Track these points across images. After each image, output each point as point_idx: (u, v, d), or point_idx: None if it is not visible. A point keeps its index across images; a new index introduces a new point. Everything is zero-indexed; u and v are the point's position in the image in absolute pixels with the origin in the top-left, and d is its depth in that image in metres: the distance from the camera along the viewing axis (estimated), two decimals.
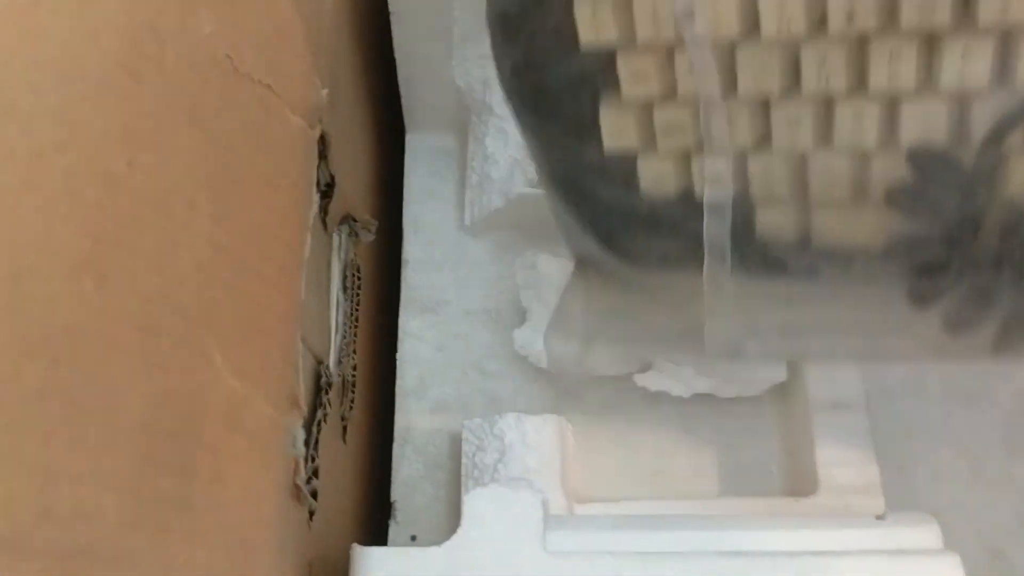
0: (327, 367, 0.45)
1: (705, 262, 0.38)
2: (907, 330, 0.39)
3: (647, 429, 0.52)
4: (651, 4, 0.34)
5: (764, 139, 0.36)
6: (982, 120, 0.33)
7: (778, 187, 0.36)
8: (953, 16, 0.32)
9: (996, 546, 0.53)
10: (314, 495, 0.40)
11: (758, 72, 0.34)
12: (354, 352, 0.50)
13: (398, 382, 0.53)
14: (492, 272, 0.56)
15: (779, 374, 0.50)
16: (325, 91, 0.44)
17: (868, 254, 0.37)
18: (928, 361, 0.52)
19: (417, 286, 0.56)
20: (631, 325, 0.45)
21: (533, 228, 0.55)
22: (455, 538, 0.39)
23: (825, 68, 0.33)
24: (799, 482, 0.50)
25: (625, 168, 0.38)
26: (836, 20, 0.32)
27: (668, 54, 0.35)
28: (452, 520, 0.41)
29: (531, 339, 0.51)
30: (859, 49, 0.33)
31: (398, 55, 0.55)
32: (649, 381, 0.50)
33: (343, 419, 0.48)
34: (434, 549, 0.39)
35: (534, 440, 0.48)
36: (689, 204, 0.37)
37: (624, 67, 0.36)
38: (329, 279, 0.48)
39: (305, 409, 0.40)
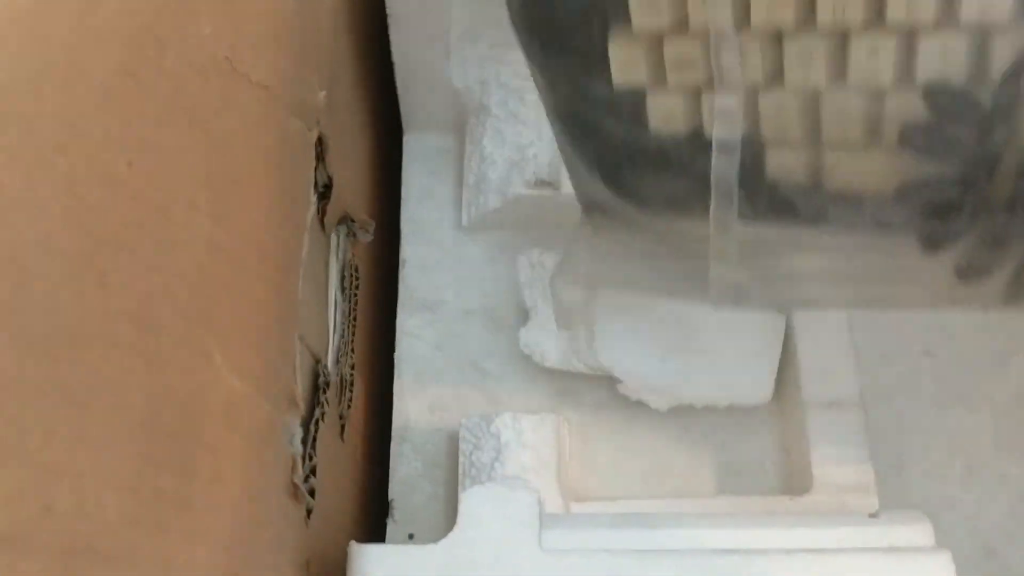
0: (325, 366, 0.45)
1: (712, 202, 0.37)
2: (917, 277, 0.38)
3: (643, 428, 0.52)
4: None
5: (776, 75, 0.35)
6: (1002, 56, 0.32)
7: (789, 126, 0.35)
8: None
9: (989, 544, 0.54)
10: (312, 493, 0.40)
11: (772, 3, 0.33)
12: (352, 351, 0.50)
13: (396, 381, 0.54)
14: (489, 272, 0.56)
15: (765, 393, 0.51)
16: (323, 93, 0.44)
17: (879, 198, 0.36)
18: (938, 309, 0.51)
19: (415, 286, 0.56)
20: (636, 270, 0.44)
21: (530, 228, 0.56)
22: (451, 536, 0.39)
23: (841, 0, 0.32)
24: (794, 481, 0.50)
25: (634, 104, 0.37)
26: None
27: None
28: (450, 518, 0.41)
29: (536, 338, 0.51)
30: None
31: (396, 57, 0.55)
32: (631, 391, 0.51)
33: (341, 418, 0.48)
34: (431, 547, 0.39)
35: (530, 439, 0.48)
36: (698, 143, 0.37)
37: None
38: (327, 279, 0.48)
39: (303, 408, 0.40)
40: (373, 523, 0.52)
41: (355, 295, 0.50)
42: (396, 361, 0.54)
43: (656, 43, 0.35)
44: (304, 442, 0.40)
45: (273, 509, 0.36)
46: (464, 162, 0.57)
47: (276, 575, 0.36)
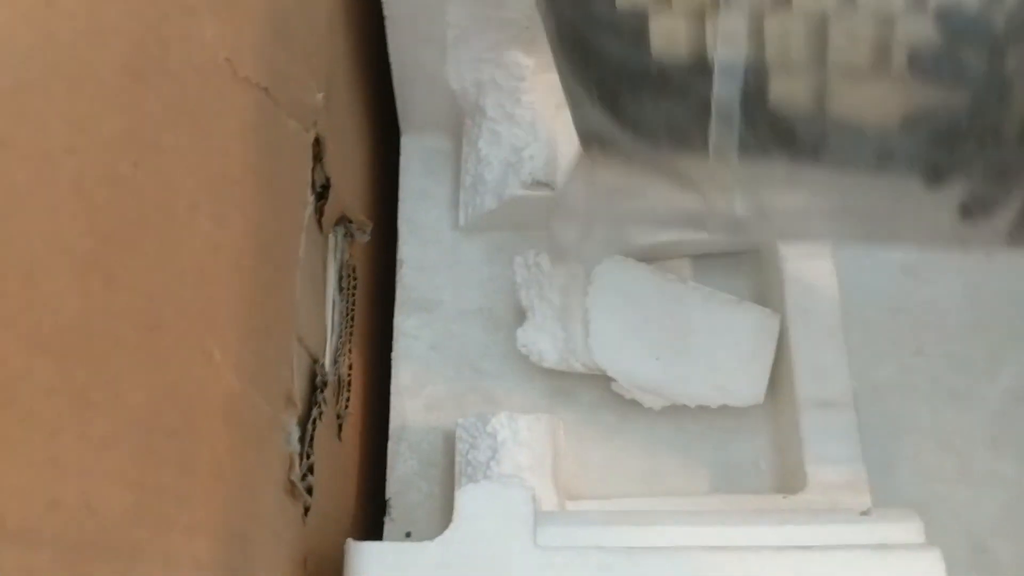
0: (322, 366, 0.46)
1: (712, 127, 0.37)
2: (919, 216, 0.38)
3: (638, 428, 0.52)
4: None
5: None
6: None
7: (795, 50, 0.34)
8: None
9: (982, 542, 0.54)
10: (309, 491, 0.41)
11: None
12: (350, 351, 0.50)
13: (393, 380, 0.54)
14: (486, 272, 0.56)
15: (759, 394, 0.51)
16: (320, 95, 0.45)
17: (883, 128, 0.35)
18: (940, 248, 0.50)
19: (412, 286, 0.56)
20: (634, 204, 0.44)
21: (526, 229, 0.56)
22: (447, 533, 0.39)
23: None
24: (787, 479, 0.50)
25: (637, 26, 0.36)
26: None
27: None
28: (446, 517, 0.41)
29: (533, 338, 0.52)
30: None
31: (393, 58, 0.55)
32: (624, 390, 0.51)
33: (339, 417, 0.48)
34: (426, 544, 0.39)
35: (526, 438, 0.49)
36: (701, 67, 0.36)
37: None
38: (325, 279, 0.48)
39: (300, 407, 0.41)
40: (370, 522, 0.52)
41: (353, 295, 0.51)
42: (393, 361, 0.54)
43: None
44: (301, 440, 0.41)
45: (271, 506, 0.37)
46: (461, 163, 0.58)
47: (274, 571, 0.37)
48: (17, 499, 0.21)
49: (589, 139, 0.42)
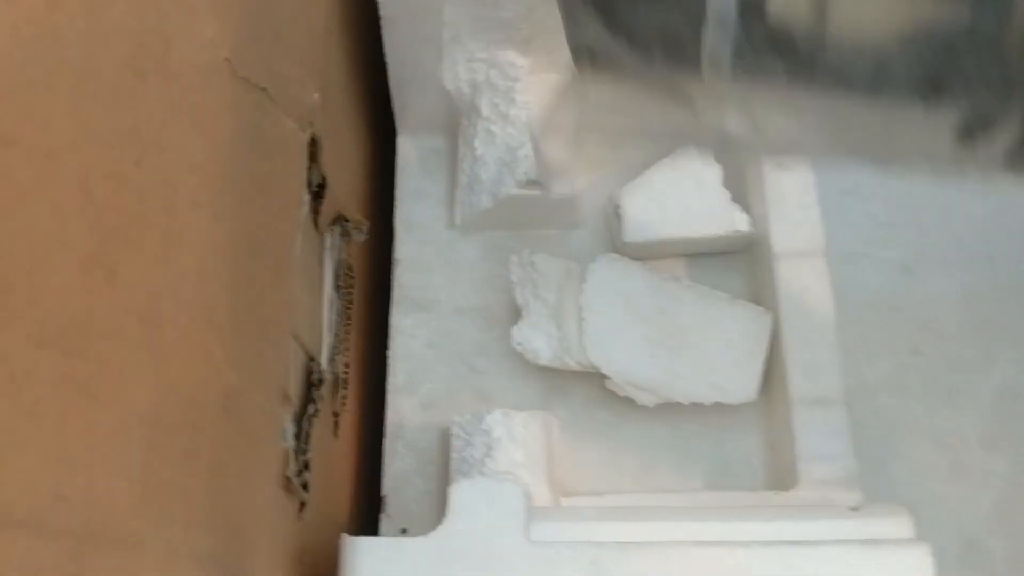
0: (319, 364, 0.46)
1: (707, 36, 0.36)
2: (916, 137, 0.37)
3: (632, 425, 0.53)
4: None
5: None
6: None
7: None
8: None
9: (974, 539, 0.55)
10: (305, 488, 0.41)
11: None
12: (346, 350, 0.50)
13: (389, 378, 0.54)
14: (482, 271, 0.57)
15: (752, 391, 0.51)
16: (317, 95, 0.45)
17: (884, 44, 0.34)
18: (936, 175, 0.50)
19: (408, 285, 0.57)
20: (625, 119, 0.43)
21: (521, 228, 0.57)
22: (441, 528, 0.40)
23: None
24: (780, 476, 0.51)
25: None
26: None
27: None
28: (442, 513, 0.42)
29: (528, 336, 0.52)
30: None
31: (389, 59, 0.56)
32: (619, 387, 0.51)
33: (335, 415, 0.49)
34: (420, 539, 0.40)
35: (521, 435, 0.49)
36: None
37: None
38: (321, 278, 0.48)
39: (296, 403, 0.41)
40: (367, 518, 0.53)
41: (349, 294, 0.51)
42: (389, 359, 0.55)
43: None
44: (297, 437, 0.41)
45: (268, 501, 0.37)
46: (456, 163, 0.58)
47: (271, 566, 0.37)
48: (24, 490, 0.22)
49: (581, 54, 0.41)
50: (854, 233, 0.59)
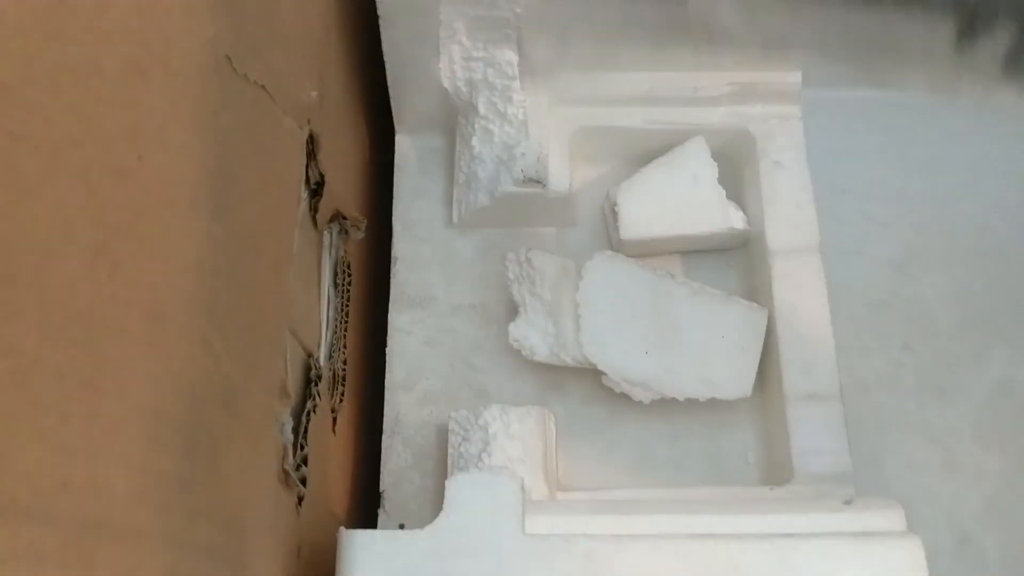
0: (317, 360, 0.46)
1: None
2: (915, 40, 0.36)
3: (628, 421, 0.53)
4: None
5: None
6: None
7: None
8: None
9: (967, 535, 0.55)
10: (303, 482, 0.42)
11: None
12: (344, 347, 0.51)
13: (387, 375, 0.55)
14: (479, 268, 0.57)
15: (746, 388, 0.52)
16: (315, 92, 0.45)
17: None
18: (932, 90, 0.48)
19: (406, 282, 0.57)
20: (616, 10, 0.42)
21: (518, 225, 0.57)
22: (437, 522, 0.40)
23: None
24: (775, 471, 0.51)
25: None
26: None
27: None
28: (439, 509, 0.42)
29: (524, 332, 0.52)
30: None
31: (387, 58, 0.56)
32: (614, 384, 0.52)
33: (333, 411, 0.49)
34: (417, 532, 0.40)
35: (517, 430, 0.49)
36: None
37: None
38: (320, 276, 0.49)
39: (294, 399, 0.41)
40: (364, 514, 0.53)
41: (347, 291, 0.52)
42: (387, 356, 0.55)
43: None
44: (295, 431, 0.41)
45: (266, 494, 0.37)
46: (454, 161, 0.59)
47: (269, 558, 0.37)
48: (29, 479, 0.22)
49: None
50: (848, 231, 0.60)
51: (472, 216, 0.57)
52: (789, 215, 0.55)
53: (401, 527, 0.51)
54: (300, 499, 0.42)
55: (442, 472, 0.51)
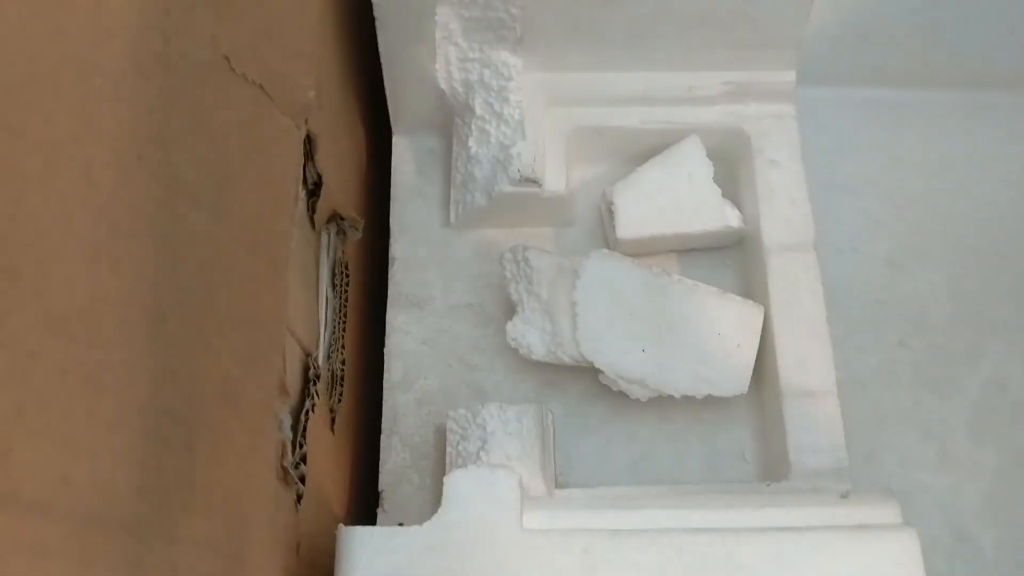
0: (315, 359, 0.46)
1: None
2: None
3: (625, 418, 0.53)
4: None
5: None
6: None
7: None
8: None
9: (962, 529, 0.55)
10: (302, 480, 0.42)
11: None
12: (343, 347, 0.51)
13: (385, 375, 0.55)
14: (476, 268, 0.57)
15: (743, 385, 0.52)
16: (312, 93, 0.46)
17: None
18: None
19: (404, 282, 0.57)
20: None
21: (515, 225, 0.57)
22: (436, 518, 0.40)
23: None
24: (772, 468, 0.52)
25: None
26: None
27: None
28: (438, 507, 0.42)
29: (522, 331, 0.52)
30: None
31: (383, 59, 0.56)
32: (612, 381, 0.52)
33: (332, 411, 0.49)
34: (415, 528, 0.40)
35: (515, 428, 0.50)
36: None
37: None
38: (318, 276, 0.49)
39: (292, 396, 0.42)
40: (363, 513, 0.53)
41: (345, 292, 0.52)
42: (385, 356, 0.55)
43: None
44: (294, 429, 0.41)
45: (265, 491, 0.38)
46: (451, 162, 0.59)
47: (269, 553, 0.37)
48: (31, 473, 0.22)
49: None
50: (843, 228, 0.60)
51: (469, 216, 0.57)
52: (784, 213, 0.55)
53: (400, 526, 0.51)
54: (299, 497, 0.42)
55: (441, 471, 0.52)
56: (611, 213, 0.56)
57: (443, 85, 0.57)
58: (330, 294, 0.50)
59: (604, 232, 0.58)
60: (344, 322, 0.51)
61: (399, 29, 0.55)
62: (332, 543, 0.41)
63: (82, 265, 0.24)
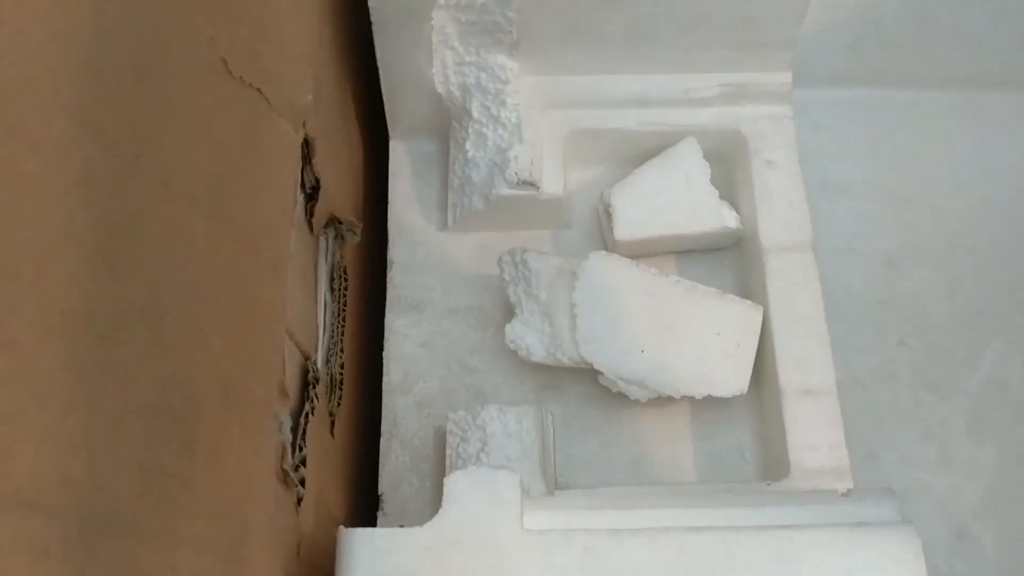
0: (314, 363, 0.46)
1: None
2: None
3: (625, 419, 0.53)
4: None
5: None
6: None
7: None
8: None
9: (963, 528, 0.56)
10: (302, 483, 0.42)
11: None
12: (341, 351, 0.51)
13: (384, 378, 0.55)
14: (474, 271, 0.57)
15: (742, 385, 0.52)
16: (310, 96, 0.46)
17: None
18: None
19: (402, 286, 0.57)
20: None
21: (513, 228, 0.57)
22: (436, 518, 0.40)
23: None
24: (772, 467, 0.52)
25: None
26: None
27: None
28: (438, 509, 0.42)
29: (521, 333, 0.53)
30: None
31: (380, 64, 0.56)
32: (611, 383, 0.52)
33: (331, 415, 0.49)
34: (416, 529, 0.40)
35: (515, 430, 0.50)
36: None
37: None
38: (316, 280, 0.49)
39: (292, 399, 0.42)
40: (363, 516, 0.53)
41: (344, 296, 0.52)
42: (384, 359, 0.55)
43: None
44: (294, 431, 0.42)
45: (266, 492, 0.38)
46: (448, 165, 0.59)
47: (269, 554, 0.37)
48: (32, 473, 0.22)
49: None
50: (841, 228, 0.60)
51: (467, 220, 0.57)
52: (782, 213, 0.55)
53: (401, 528, 0.51)
54: (299, 500, 0.42)
55: (440, 474, 0.52)
56: (609, 215, 0.56)
57: (440, 89, 0.57)
58: (328, 298, 0.50)
59: (602, 234, 0.58)
60: (343, 326, 0.51)
61: (396, 33, 0.55)
62: (332, 545, 0.41)
63: (80, 266, 0.24)
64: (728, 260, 0.57)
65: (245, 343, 0.36)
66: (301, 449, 0.42)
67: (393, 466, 0.53)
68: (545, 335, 0.52)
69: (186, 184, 0.31)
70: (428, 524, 0.40)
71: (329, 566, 0.41)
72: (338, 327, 0.51)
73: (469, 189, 0.57)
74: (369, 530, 0.41)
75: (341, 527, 0.41)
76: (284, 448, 0.40)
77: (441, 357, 0.56)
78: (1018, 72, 0.67)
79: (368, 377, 0.57)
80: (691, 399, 0.52)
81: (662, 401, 0.52)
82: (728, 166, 0.58)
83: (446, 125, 0.59)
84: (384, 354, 0.56)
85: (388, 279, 0.57)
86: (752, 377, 0.52)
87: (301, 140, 0.44)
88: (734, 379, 0.52)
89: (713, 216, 0.56)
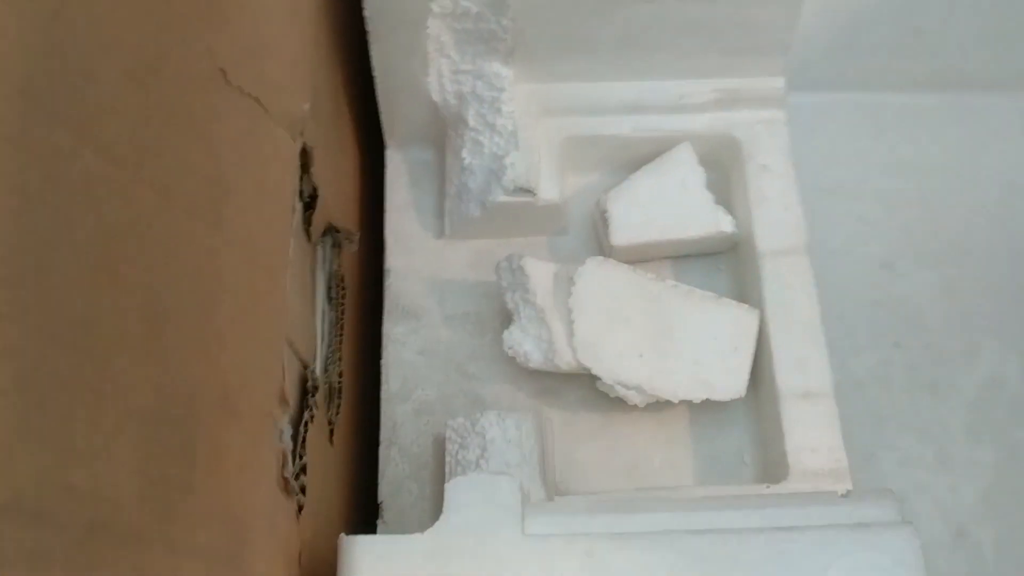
0: (313, 371, 0.46)
1: None
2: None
3: (624, 424, 0.54)
4: None
5: None
6: None
7: None
8: None
9: (961, 528, 0.56)
10: (302, 491, 0.42)
11: None
12: (340, 359, 0.51)
13: (383, 386, 0.55)
14: (471, 278, 0.57)
15: (740, 388, 0.52)
16: (307, 104, 0.46)
17: None
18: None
19: (400, 294, 0.57)
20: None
21: (510, 234, 0.58)
22: (437, 525, 0.40)
23: None
24: (771, 470, 0.52)
25: None
26: None
27: None
28: (438, 516, 0.42)
29: (518, 340, 0.53)
30: None
31: (376, 72, 0.57)
32: (609, 388, 0.52)
33: (330, 423, 0.49)
34: (417, 536, 0.40)
35: (514, 436, 0.50)
36: None
37: None
38: (314, 290, 0.49)
39: (292, 407, 0.42)
40: (363, 525, 0.53)
41: (342, 304, 0.52)
42: (382, 366, 0.56)
43: None
44: (294, 439, 0.42)
45: (267, 499, 0.38)
46: (445, 173, 0.59)
47: (270, 562, 0.38)
48: (34, 481, 0.22)
49: None
50: (836, 231, 0.61)
51: (464, 227, 0.57)
52: (777, 217, 0.56)
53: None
54: (300, 508, 0.42)
55: (440, 481, 0.52)
56: (605, 221, 0.56)
57: (436, 97, 0.57)
58: (327, 306, 0.50)
59: (598, 240, 0.58)
60: (341, 335, 0.51)
61: (392, 42, 0.55)
62: (333, 553, 0.41)
63: (81, 273, 0.24)
64: (724, 264, 0.57)
65: (245, 351, 0.36)
66: (301, 457, 0.42)
67: (393, 474, 0.53)
68: (543, 341, 0.52)
69: (185, 192, 0.31)
70: (429, 530, 0.40)
71: (330, 574, 0.41)
72: (336, 335, 0.51)
73: (466, 196, 0.57)
74: (370, 537, 0.41)
75: (342, 534, 0.41)
76: (284, 456, 0.40)
77: (439, 364, 0.56)
78: (1010, 74, 0.67)
79: (367, 385, 0.57)
80: (689, 403, 0.52)
81: (660, 405, 0.52)
82: (723, 171, 0.59)
83: (442, 133, 0.60)
84: (382, 362, 0.56)
85: (385, 287, 0.58)
86: (750, 380, 0.53)
87: (299, 149, 0.45)
88: (732, 383, 0.52)
89: (709, 221, 0.56)
